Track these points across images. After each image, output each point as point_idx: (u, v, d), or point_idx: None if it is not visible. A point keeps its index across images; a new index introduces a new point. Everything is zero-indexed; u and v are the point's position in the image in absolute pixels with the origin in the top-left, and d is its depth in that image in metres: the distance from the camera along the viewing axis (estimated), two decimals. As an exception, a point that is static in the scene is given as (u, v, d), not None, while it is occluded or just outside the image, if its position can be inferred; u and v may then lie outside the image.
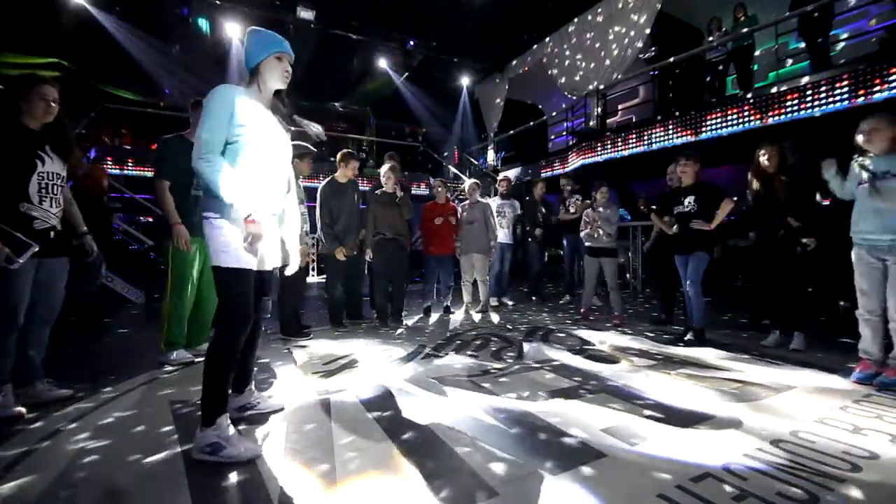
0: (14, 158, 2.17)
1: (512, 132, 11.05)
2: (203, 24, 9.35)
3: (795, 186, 3.39)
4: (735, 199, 3.59)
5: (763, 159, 3.51)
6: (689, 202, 3.69)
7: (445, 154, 13.29)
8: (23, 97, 2.23)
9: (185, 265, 3.06)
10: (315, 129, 2.16)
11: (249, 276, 1.82)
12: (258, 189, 1.82)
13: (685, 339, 3.71)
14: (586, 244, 4.72)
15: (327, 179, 4.32)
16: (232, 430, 1.76)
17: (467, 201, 5.34)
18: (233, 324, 1.79)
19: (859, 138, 2.70)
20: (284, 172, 2.01)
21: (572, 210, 5.68)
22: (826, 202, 3.86)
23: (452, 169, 12.31)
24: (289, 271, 2.19)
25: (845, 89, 4.88)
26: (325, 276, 5.00)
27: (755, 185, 3.59)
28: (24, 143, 2.21)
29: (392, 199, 4.44)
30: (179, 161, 3.05)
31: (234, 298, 1.79)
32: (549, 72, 9.82)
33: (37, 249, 2.16)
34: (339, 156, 4.35)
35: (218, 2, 8.70)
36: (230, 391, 1.93)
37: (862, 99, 4.74)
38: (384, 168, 4.54)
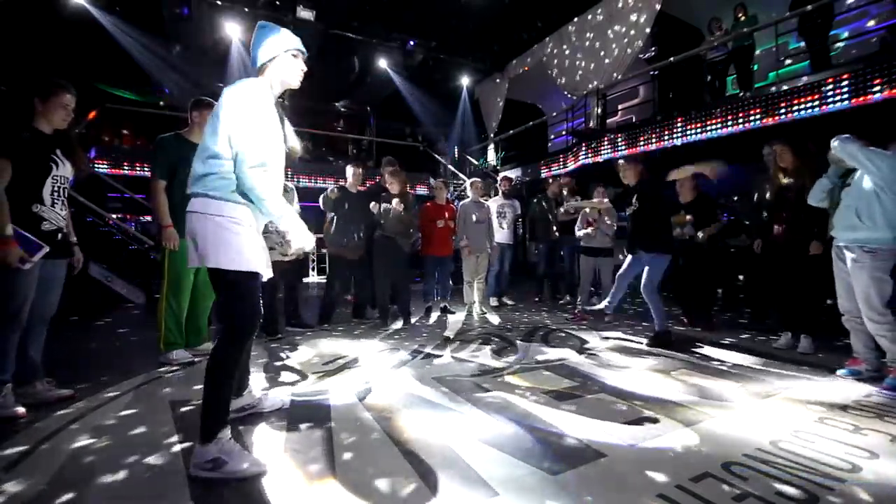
0: (32, 161, 2.19)
1: (512, 132, 11.03)
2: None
3: (804, 183, 3.27)
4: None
5: (770, 158, 3.51)
6: (635, 201, 3.81)
7: (445, 154, 13.27)
8: (43, 102, 2.23)
9: (183, 265, 3.05)
10: (295, 142, 1.99)
11: (258, 282, 1.78)
12: (278, 191, 1.76)
13: (649, 344, 3.62)
14: (582, 244, 4.72)
15: (331, 190, 4.53)
16: (234, 443, 1.66)
17: (470, 199, 5.31)
18: (243, 329, 1.74)
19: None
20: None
21: (571, 211, 5.68)
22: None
23: (452, 169, 12.30)
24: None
25: (845, 89, 4.88)
26: (325, 276, 5.07)
27: (767, 193, 3.59)
28: (41, 146, 2.23)
29: (399, 199, 4.46)
30: (177, 160, 3.04)
31: (245, 305, 1.73)
32: (549, 72, 9.82)
33: (47, 251, 2.18)
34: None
35: (218, 2, 8.69)
36: None
37: (862, 99, 4.74)
38: (388, 174, 4.57)
